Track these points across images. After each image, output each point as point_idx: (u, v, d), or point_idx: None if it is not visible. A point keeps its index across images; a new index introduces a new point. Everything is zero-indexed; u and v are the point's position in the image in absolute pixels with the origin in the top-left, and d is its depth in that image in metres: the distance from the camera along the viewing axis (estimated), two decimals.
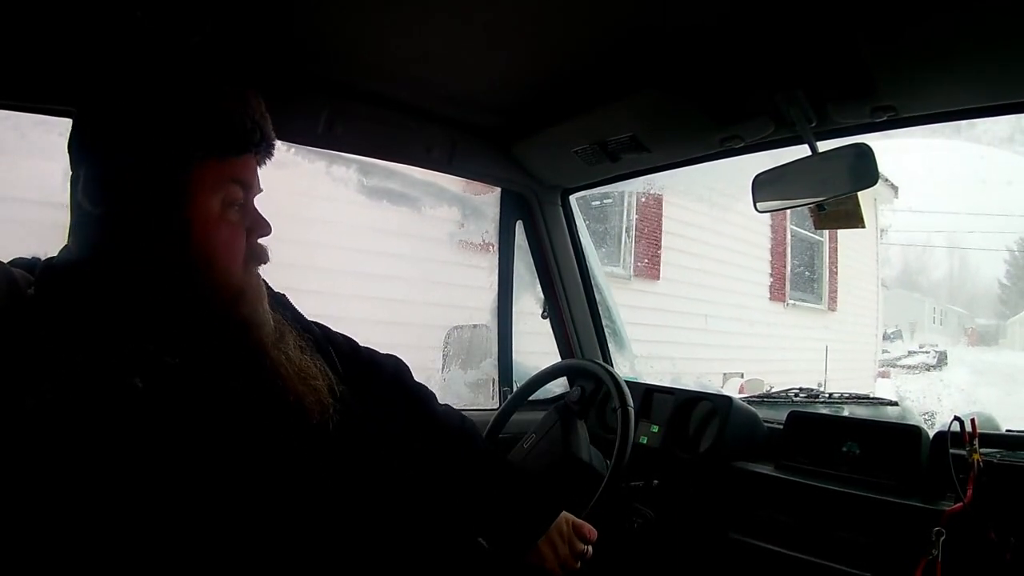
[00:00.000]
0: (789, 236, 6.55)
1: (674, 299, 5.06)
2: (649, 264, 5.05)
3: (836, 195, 1.02)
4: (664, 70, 1.03)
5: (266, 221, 0.72)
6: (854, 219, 1.06)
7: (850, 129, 1.06)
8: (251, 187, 0.71)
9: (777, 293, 6.36)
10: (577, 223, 1.60)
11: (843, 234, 6.92)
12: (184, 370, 0.63)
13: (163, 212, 0.65)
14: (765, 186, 1.11)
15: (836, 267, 7.17)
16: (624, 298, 4.27)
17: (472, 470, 0.89)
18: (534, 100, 1.20)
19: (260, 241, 0.72)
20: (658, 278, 5.09)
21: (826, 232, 6.75)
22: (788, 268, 6.48)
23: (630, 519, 1.13)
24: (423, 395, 0.94)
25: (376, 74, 1.12)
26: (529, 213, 1.54)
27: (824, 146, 1.03)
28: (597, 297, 1.64)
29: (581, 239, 1.60)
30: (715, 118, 1.11)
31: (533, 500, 0.88)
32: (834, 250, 7.18)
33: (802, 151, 1.05)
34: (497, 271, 1.60)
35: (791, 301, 6.51)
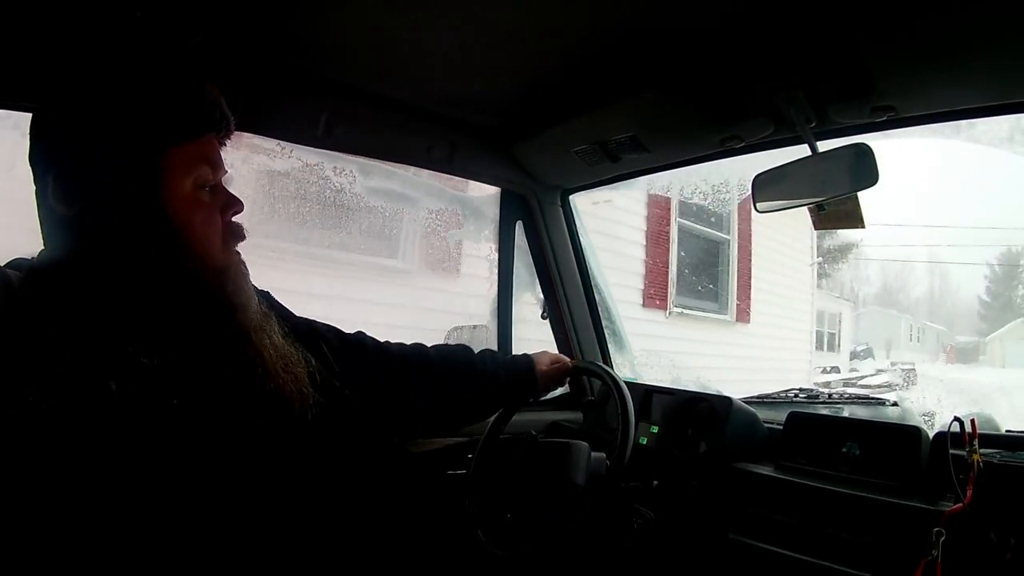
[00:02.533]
0: (676, 231, 5.25)
1: (476, 299, 3.45)
2: (443, 258, 3.86)
3: (836, 195, 1.02)
4: (664, 70, 1.03)
5: (238, 199, 0.72)
6: (854, 219, 1.06)
7: (850, 129, 1.06)
8: (218, 167, 0.72)
9: (654, 299, 5.08)
10: (577, 223, 1.60)
11: (761, 237, 5.82)
12: (161, 370, 0.63)
13: (138, 200, 0.65)
14: (765, 186, 1.11)
15: (749, 273, 5.95)
16: (403, 297, 3.52)
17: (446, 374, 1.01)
18: (534, 100, 1.20)
19: (235, 219, 0.73)
20: (458, 273, 3.87)
21: (734, 231, 5.71)
22: (674, 270, 5.23)
23: (630, 520, 1.13)
24: (384, 346, 0.99)
25: (376, 74, 1.12)
26: (529, 213, 1.54)
27: (824, 146, 1.03)
28: (597, 298, 1.64)
29: (581, 239, 1.60)
30: (715, 118, 1.11)
31: (514, 364, 1.11)
32: (747, 253, 5.95)
33: (802, 151, 1.05)
34: (497, 271, 1.60)
35: (678, 309, 5.27)
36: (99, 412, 0.58)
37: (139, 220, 0.65)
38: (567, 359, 1.22)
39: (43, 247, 0.68)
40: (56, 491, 0.56)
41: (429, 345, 1.06)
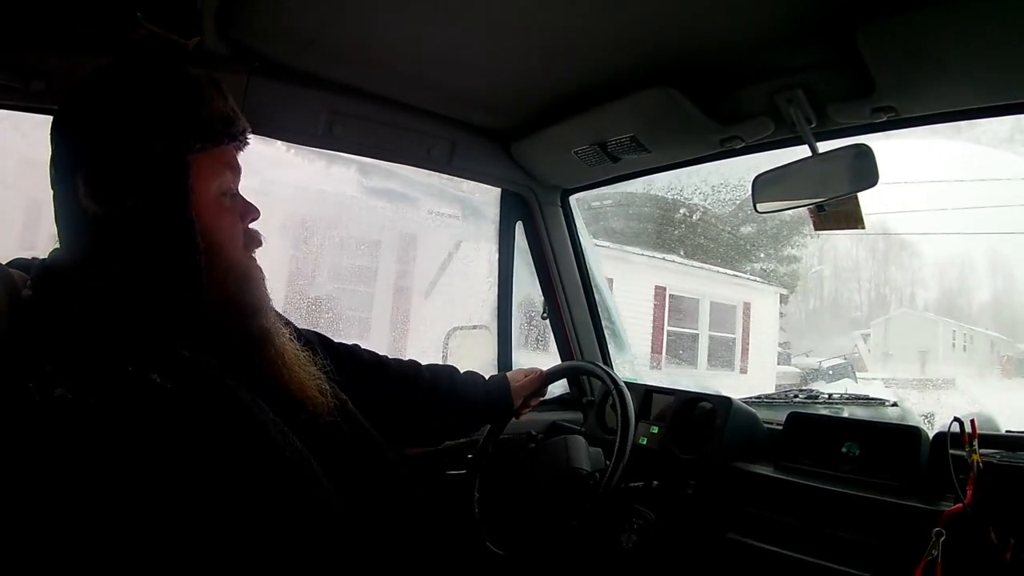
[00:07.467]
0: None
1: None
2: None
3: (836, 196, 1.02)
4: (665, 70, 1.03)
5: (255, 206, 0.74)
6: (854, 220, 1.06)
7: (850, 129, 1.06)
8: (238, 174, 0.73)
9: None
10: (577, 223, 1.60)
11: None
12: (196, 362, 0.63)
13: (170, 203, 0.65)
14: (765, 186, 1.11)
15: None
16: None
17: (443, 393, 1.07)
18: (534, 100, 1.20)
19: (251, 226, 0.74)
20: None
21: None
22: None
23: (630, 520, 1.13)
24: (381, 359, 1.05)
25: (376, 74, 1.12)
26: (529, 213, 1.54)
27: (824, 146, 1.03)
28: (597, 298, 1.64)
29: (581, 239, 1.60)
30: (715, 118, 1.10)
31: (490, 383, 1.16)
32: None
33: (802, 151, 1.05)
34: (497, 271, 1.60)
35: None
36: (148, 404, 0.57)
37: (170, 219, 0.65)
38: (539, 368, 1.25)
39: (59, 247, 0.68)
40: (103, 484, 0.54)
41: (423, 364, 1.12)
